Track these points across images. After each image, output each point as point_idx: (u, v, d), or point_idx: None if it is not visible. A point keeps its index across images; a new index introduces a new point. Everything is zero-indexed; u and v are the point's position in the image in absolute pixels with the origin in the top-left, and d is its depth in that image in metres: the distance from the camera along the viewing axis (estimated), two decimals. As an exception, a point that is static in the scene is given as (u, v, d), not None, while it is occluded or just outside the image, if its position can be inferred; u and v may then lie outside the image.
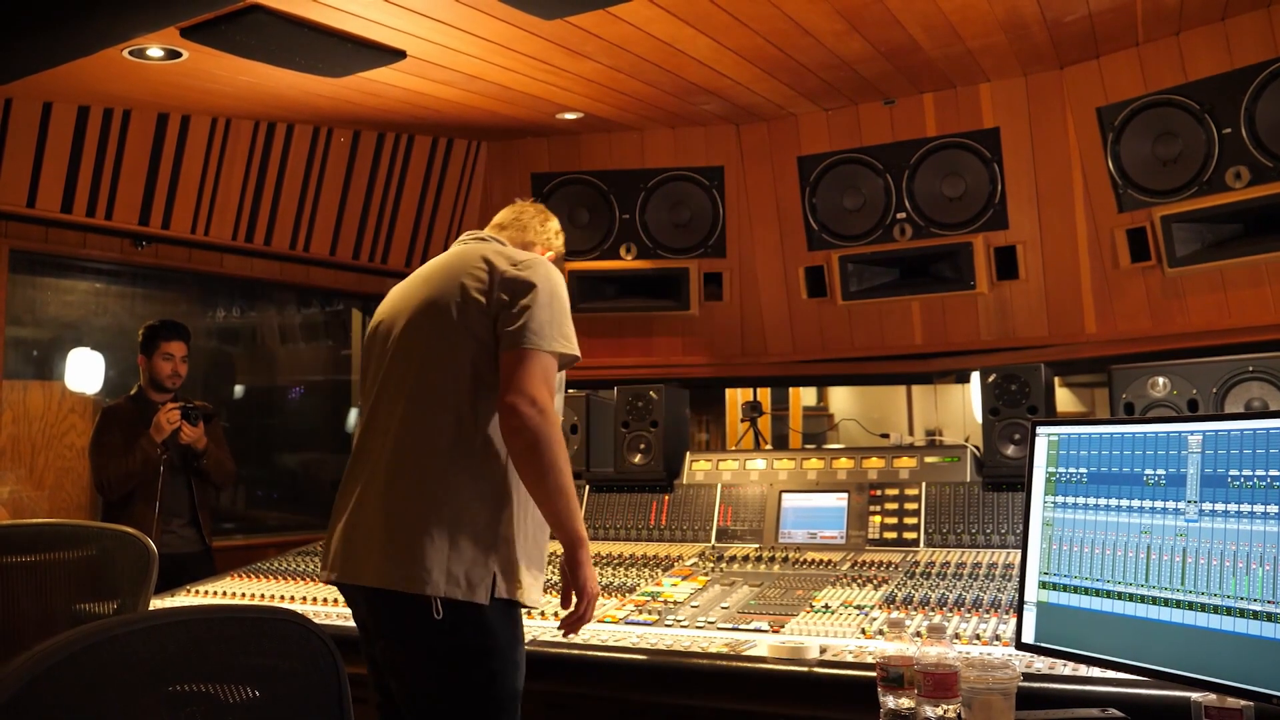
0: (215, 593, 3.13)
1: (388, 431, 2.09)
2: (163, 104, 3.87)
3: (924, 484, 3.29)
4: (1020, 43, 3.55)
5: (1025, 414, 3.22)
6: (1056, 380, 3.72)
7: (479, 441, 2.04)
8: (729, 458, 3.64)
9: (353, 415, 5.19)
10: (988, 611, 2.48)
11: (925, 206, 4.11)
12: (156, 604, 2.60)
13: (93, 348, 4.36)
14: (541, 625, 2.62)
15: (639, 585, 2.97)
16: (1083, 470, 1.89)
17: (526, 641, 2.40)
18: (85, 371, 4.29)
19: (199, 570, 3.62)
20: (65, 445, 4.22)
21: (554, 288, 2.09)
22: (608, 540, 3.55)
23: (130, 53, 3.25)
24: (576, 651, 2.41)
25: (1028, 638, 1.92)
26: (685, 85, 3.87)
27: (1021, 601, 1.94)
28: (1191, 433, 1.73)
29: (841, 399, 7.70)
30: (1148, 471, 1.78)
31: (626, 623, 2.64)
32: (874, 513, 3.28)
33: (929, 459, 3.37)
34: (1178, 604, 1.68)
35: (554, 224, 2.42)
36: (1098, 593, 1.81)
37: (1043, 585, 1.91)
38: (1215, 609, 1.63)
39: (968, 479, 3.26)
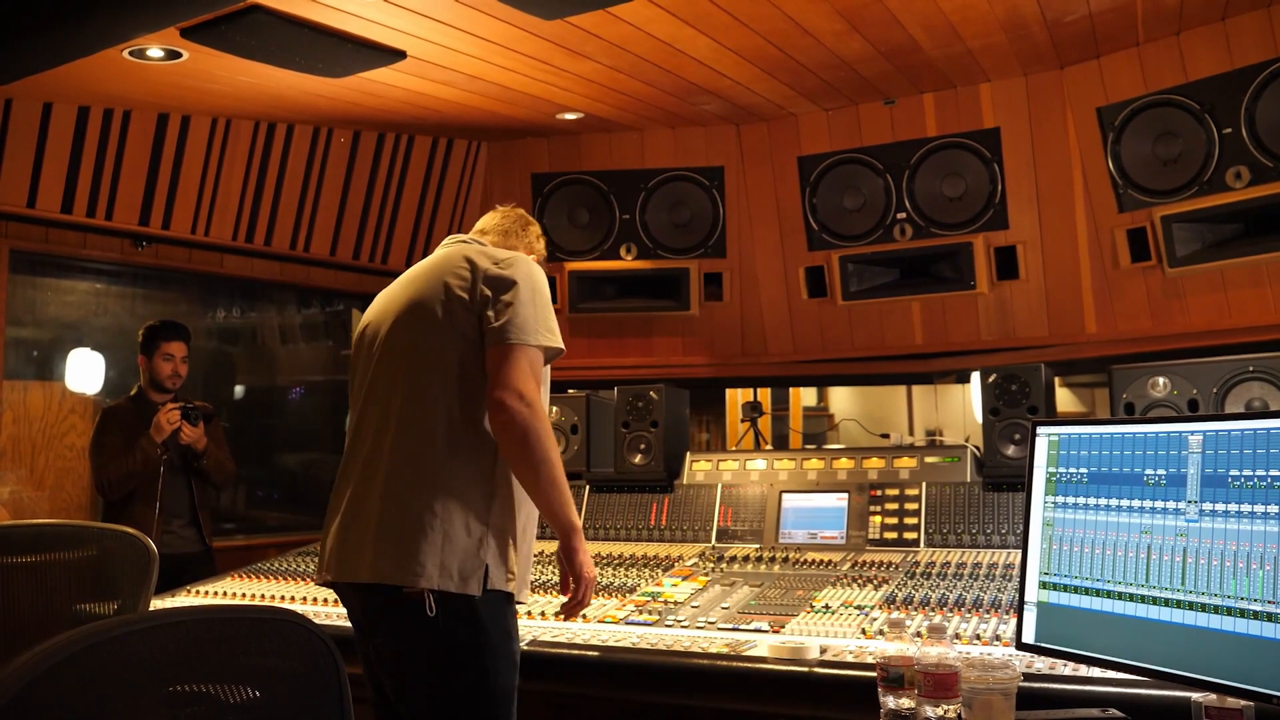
0: (215, 593, 3.13)
1: (378, 432, 2.11)
2: (163, 104, 3.87)
3: (924, 484, 3.29)
4: (1020, 43, 3.55)
5: (1025, 414, 3.22)
6: (1057, 380, 3.72)
7: (468, 437, 2.07)
8: (729, 458, 3.64)
9: (353, 415, 5.18)
10: (988, 612, 2.48)
11: (925, 206, 4.11)
12: (157, 604, 2.60)
13: (93, 348, 4.36)
14: (542, 625, 2.62)
15: (639, 585, 2.97)
16: (1083, 470, 1.89)
17: (527, 641, 2.41)
18: (85, 372, 4.29)
19: (199, 570, 3.62)
20: (65, 446, 4.22)
21: (536, 283, 2.14)
22: (608, 540, 3.55)
23: (130, 53, 3.26)
24: (576, 651, 2.41)
25: (1028, 638, 1.92)
26: (685, 85, 3.87)
27: (1022, 602, 1.94)
28: (1192, 433, 1.73)
29: (842, 399, 7.70)
30: (1148, 471, 1.78)
31: (627, 623, 2.64)
32: (874, 513, 3.28)
33: (929, 459, 3.37)
34: (1178, 604, 1.68)
35: (535, 229, 2.48)
36: (1098, 593, 1.81)
37: (1043, 585, 1.91)
38: (1215, 609, 1.63)
39: (968, 479, 3.26)
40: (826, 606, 2.63)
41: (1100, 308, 3.89)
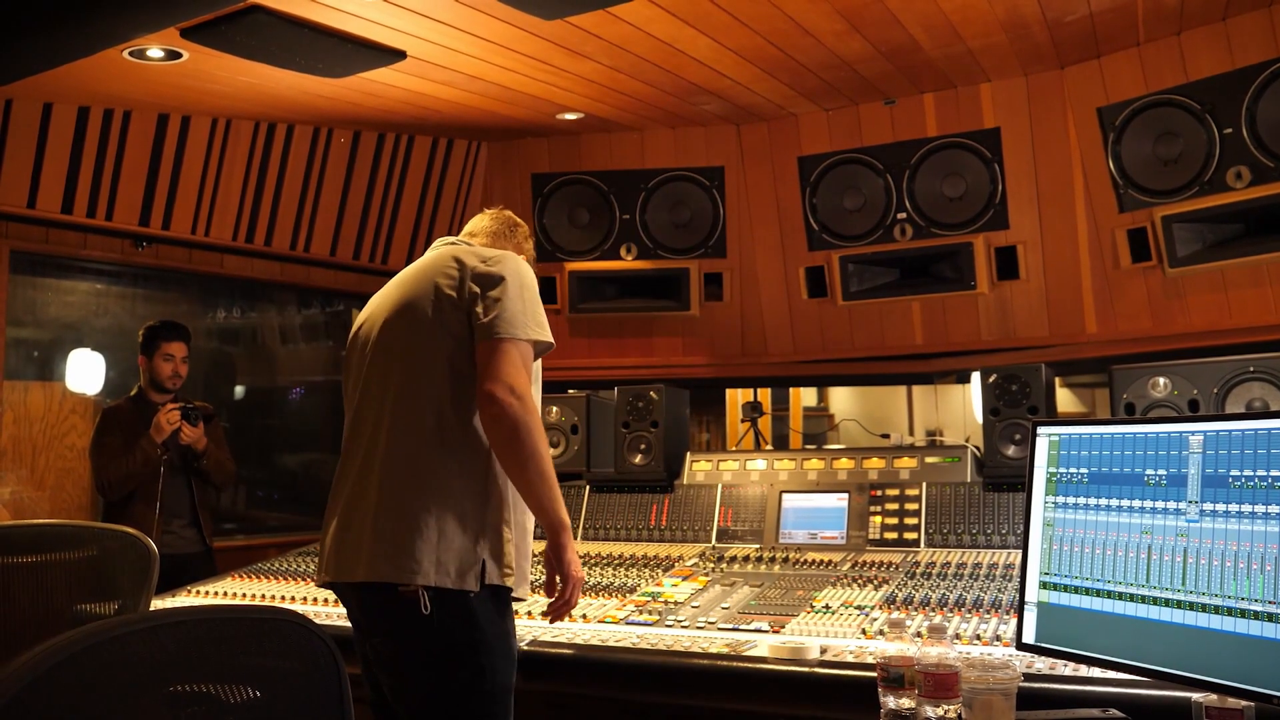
0: (216, 593, 3.13)
1: (373, 432, 2.13)
2: (163, 105, 3.87)
3: (924, 484, 3.29)
4: (1021, 42, 3.55)
5: (1026, 414, 3.22)
6: (1057, 380, 3.72)
7: (461, 434, 2.08)
8: (729, 458, 3.64)
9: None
10: (988, 612, 2.48)
11: (926, 206, 4.11)
12: (157, 604, 2.60)
13: (93, 348, 4.37)
14: (542, 625, 2.62)
15: (639, 585, 2.97)
16: (1083, 470, 1.89)
17: (526, 642, 2.41)
18: (86, 372, 4.29)
19: (200, 571, 3.62)
20: (66, 446, 4.22)
21: (523, 279, 2.14)
22: (608, 541, 3.55)
23: (130, 53, 3.26)
24: (576, 652, 2.41)
25: (1028, 638, 1.92)
26: (685, 85, 3.87)
27: (1022, 602, 1.94)
28: (1192, 433, 1.73)
29: (842, 399, 7.70)
30: (1148, 472, 1.77)
31: (627, 623, 2.64)
32: (874, 513, 3.27)
33: (929, 459, 3.37)
34: (1178, 604, 1.68)
35: (523, 229, 2.49)
36: (1098, 593, 1.81)
37: (1043, 585, 1.91)
38: (1216, 609, 1.63)
39: (968, 479, 3.26)
40: (827, 607, 2.63)
41: (1101, 308, 3.89)
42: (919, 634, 2.30)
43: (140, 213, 4.04)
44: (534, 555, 2.21)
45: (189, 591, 3.15)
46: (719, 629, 2.54)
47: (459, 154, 4.66)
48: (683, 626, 2.59)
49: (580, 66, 3.63)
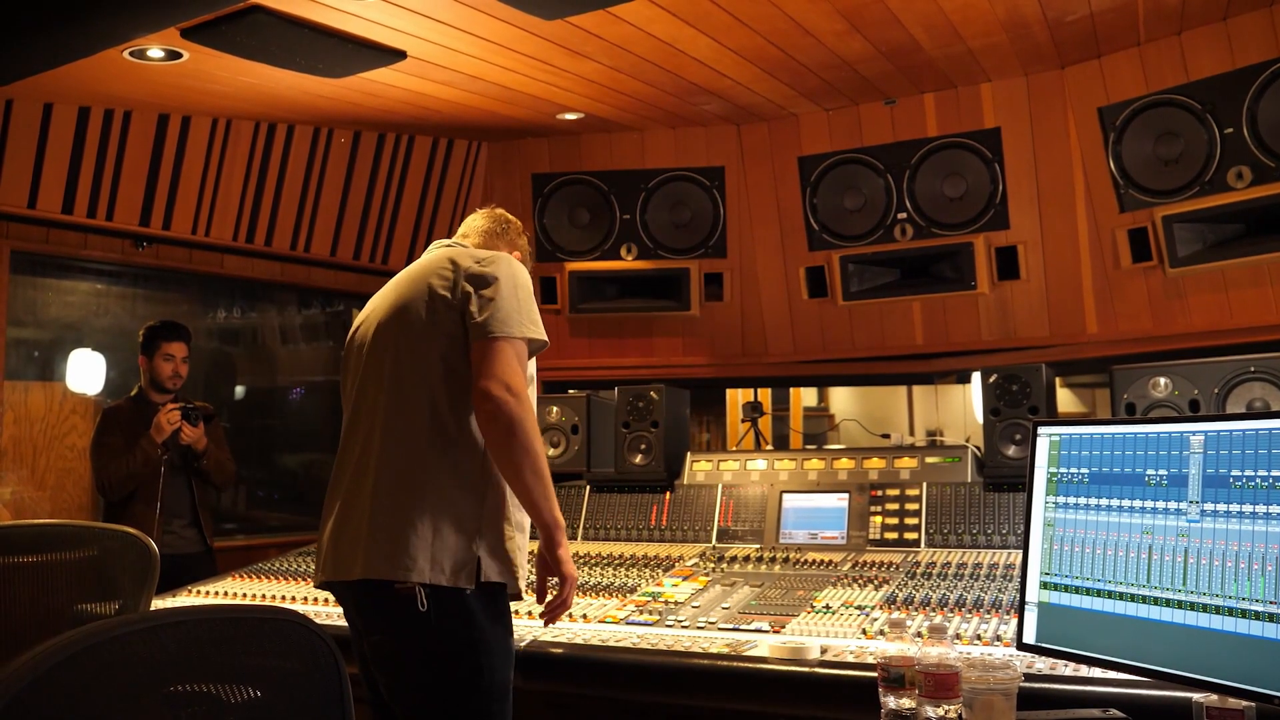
0: (216, 593, 3.13)
1: (368, 432, 2.14)
2: (163, 105, 3.88)
3: (925, 484, 3.29)
4: (1021, 42, 3.55)
5: (1026, 414, 3.22)
6: (1058, 380, 3.72)
7: (457, 433, 2.08)
8: (730, 458, 3.64)
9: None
10: (989, 612, 2.48)
11: (926, 206, 4.11)
12: (158, 604, 2.60)
13: (94, 349, 4.37)
14: (542, 625, 2.62)
15: (640, 585, 2.97)
16: (1084, 470, 1.89)
17: (527, 642, 2.41)
18: (86, 372, 4.29)
19: (200, 571, 3.62)
20: (66, 446, 4.22)
21: (517, 278, 2.15)
22: (608, 541, 3.55)
23: (131, 53, 3.26)
24: (576, 652, 2.41)
25: (1029, 638, 1.92)
26: (686, 85, 3.87)
27: (1023, 602, 1.94)
28: (1193, 433, 1.73)
29: (842, 399, 7.70)
30: (1149, 472, 1.77)
31: (627, 623, 2.64)
32: (875, 513, 3.27)
33: (930, 459, 3.37)
34: (1179, 604, 1.68)
35: (516, 224, 2.50)
36: (1099, 593, 1.81)
37: (1044, 586, 1.91)
38: (1217, 609, 1.63)
39: (969, 479, 3.26)
40: (827, 607, 2.63)
41: (1101, 308, 3.89)
42: (919, 634, 2.30)
43: (140, 213, 4.04)
44: (530, 554, 2.21)
45: (189, 591, 3.15)
46: (719, 629, 2.54)
47: (459, 154, 4.66)
48: (683, 626, 2.59)
49: (581, 66, 3.63)
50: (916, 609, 2.57)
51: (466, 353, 2.09)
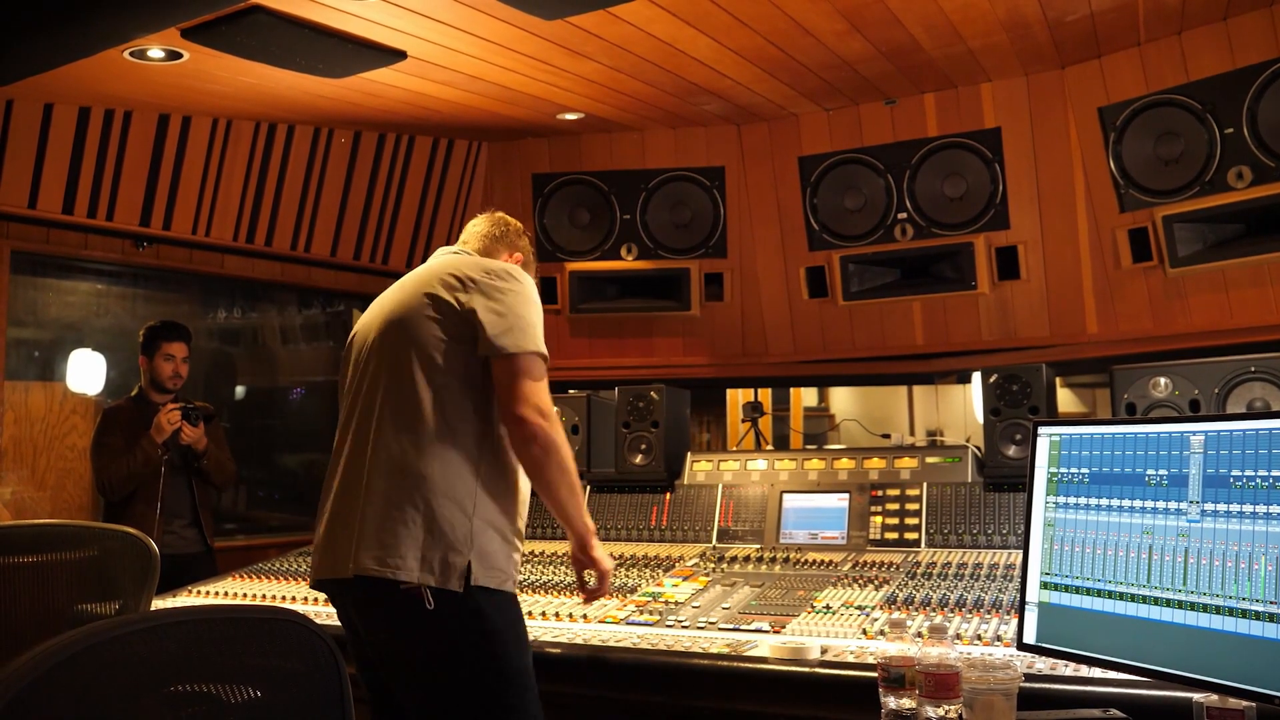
0: (217, 593, 3.13)
1: (365, 432, 2.15)
2: (163, 105, 3.88)
3: (925, 484, 3.29)
4: (1022, 42, 3.55)
5: (1026, 414, 3.22)
6: (1058, 380, 3.72)
7: (452, 436, 2.09)
8: (730, 458, 3.64)
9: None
10: (989, 612, 2.48)
11: (926, 206, 4.11)
12: (158, 604, 2.60)
13: (94, 349, 4.37)
14: (543, 626, 2.62)
15: (640, 586, 2.97)
16: (1084, 470, 1.89)
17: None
18: (87, 372, 4.29)
19: (200, 571, 3.62)
20: (67, 446, 4.23)
21: (529, 292, 2.19)
22: (609, 541, 3.54)
23: (131, 54, 3.26)
24: (577, 652, 2.41)
25: (1029, 638, 1.92)
26: (686, 85, 3.87)
27: (1023, 602, 1.94)
28: (1193, 433, 1.73)
29: (842, 399, 7.70)
30: (1149, 472, 1.77)
31: (628, 623, 2.64)
32: (875, 513, 3.27)
33: (930, 459, 3.37)
34: (1179, 604, 1.68)
35: (516, 225, 2.51)
36: (1099, 593, 1.81)
37: (1044, 586, 1.91)
38: (1217, 609, 1.63)
39: (969, 479, 3.26)
40: (827, 607, 2.63)
41: (1101, 308, 3.89)
42: (920, 634, 2.30)
43: (141, 213, 4.05)
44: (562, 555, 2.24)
45: (190, 592, 3.15)
46: (720, 629, 2.54)
47: (459, 154, 4.66)
48: (683, 627, 2.59)
49: (581, 67, 3.63)
50: (917, 609, 2.57)
51: (468, 361, 2.10)
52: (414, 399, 2.10)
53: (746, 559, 3.20)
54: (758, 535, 3.38)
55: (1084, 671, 1.99)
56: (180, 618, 1.28)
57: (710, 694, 2.28)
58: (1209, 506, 1.67)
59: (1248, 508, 1.62)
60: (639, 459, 3.67)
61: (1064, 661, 1.99)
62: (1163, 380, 3.09)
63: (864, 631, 2.42)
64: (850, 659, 2.23)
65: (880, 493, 3.31)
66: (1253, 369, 3.00)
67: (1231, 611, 1.61)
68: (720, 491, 3.53)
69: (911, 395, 7.07)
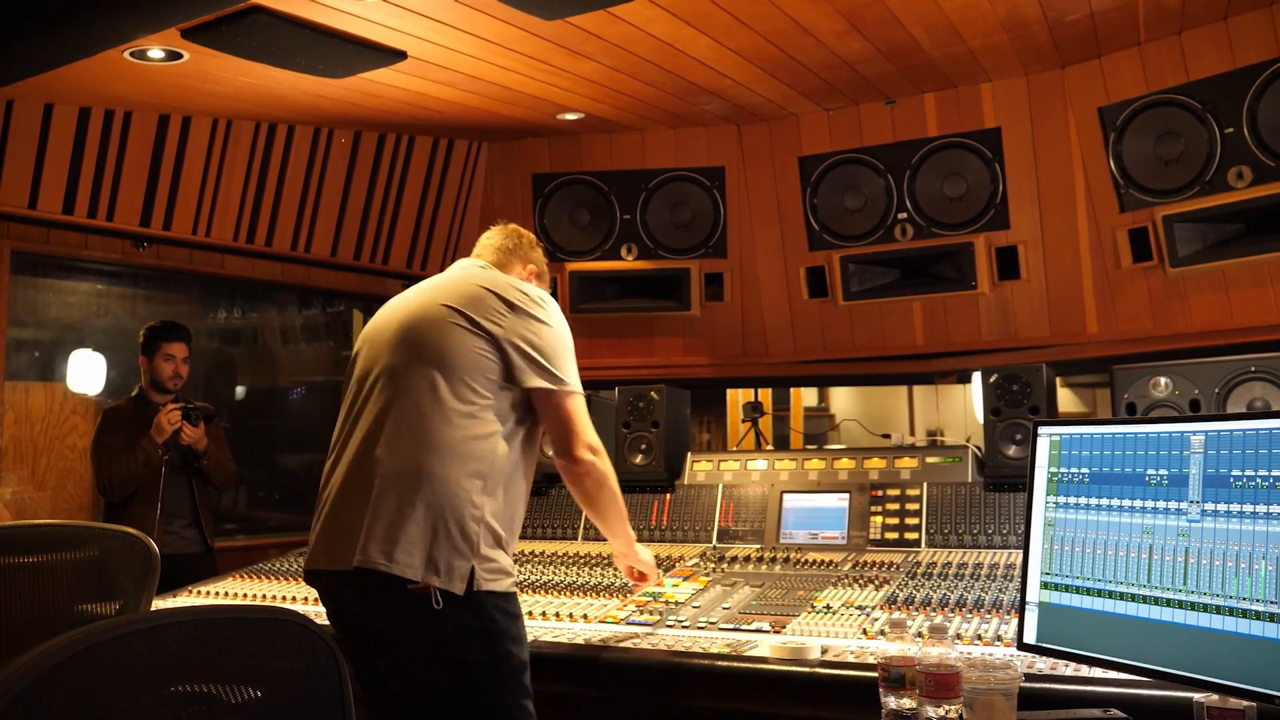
0: (217, 593, 3.13)
1: (374, 429, 2.15)
2: (164, 105, 3.88)
3: (925, 484, 3.29)
4: (1022, 42, 3.55)
5: (1027, 414, 3.22)
6: (1058, 380, 3.72)
7: (463, 440, 2.10)
8: (730, 458, 3.64)
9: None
10: (989, 612, 2.48)
11: (926, 206, 4.11)
12: (158, 605, 2.60)
13: (94, 349, 4.37)
14: (543, 625, 2.62)
15: (640, 585, 2.96)
16: (1084, 470, 1.89)
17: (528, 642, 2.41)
18: (87, 373, 4.29)
19: (201, 571, 3.62)
20: (67, 446, 4.23)
21: (564, 327, 2.29)
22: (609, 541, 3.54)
23: (131, 54, 3.26)
24: (577, 652, 2.41)
25: (1029, 638, 1.92)
26: (686, 85, 3.87)
27: (1023, 602, 1.94)
28: (1194, 433, 1.73)
29: (843, 399, 7.70)
30: (1150, 472, 1.77)
31: (628, 623, 2.64)
32: (875, 513, 3.27)
33: (930, 459, 3.37)
34: (1180, 604, 1.68)
35: (529, 238, 2.54)
36: (1100, 593, 1.81)
37: (1044, 586, 1.91)
38: (1217, 609, 1.63)
39: (969, 479, 3.26)
40: (828, 607, 2.63)
41: (1102, 308, 3.89)
42: (920, 634, 2.30)
43: (141, 213, 4.05)
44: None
45: (190, 592, 3.15)
46: (720, 629, 2.54)
47: (459, 154, 4.66)
48: (683, 627, 2.59)
49: (581, 67, 3.63)
50: (917, 609, 2.57)
51: (487, 372, 2.14)
52: (430, 404, 2.11)
53: (747, 559, 3.20)
54: (758, 535, 3.38)
55: (1084, 671, 1.99)
56: (181, 618, 1.28)
57: (710, 694, 2.28)
58: (1209, 506, 1.67)
59: (1248, 507, 1.62)
60: (639, 459, 3.67)
61: (1064, 661, 1.99)
62: (1163, 380, 3.09)
63: (864, 631, 2.42)
64: (850, 659, 2.23)
65: (880, 493, 3.31)
66: (1253, 369, 3.00)
67: (1232, 611, 1.61)
68: (720, 491, 3.53)
69: (911, 395, 7.08)
